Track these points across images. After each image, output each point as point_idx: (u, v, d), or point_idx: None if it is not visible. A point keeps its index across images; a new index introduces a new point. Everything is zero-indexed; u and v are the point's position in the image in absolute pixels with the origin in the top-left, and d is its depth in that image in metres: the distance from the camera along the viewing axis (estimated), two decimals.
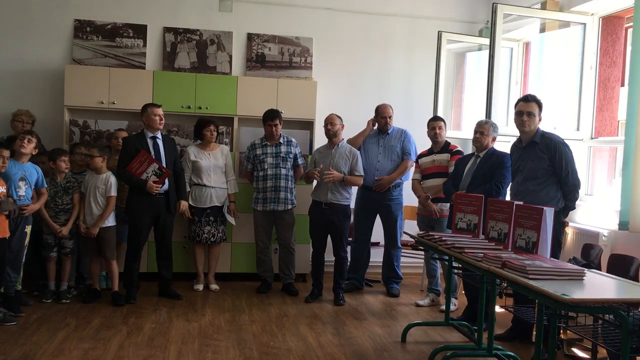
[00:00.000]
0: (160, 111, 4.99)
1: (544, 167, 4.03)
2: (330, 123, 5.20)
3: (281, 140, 5.46)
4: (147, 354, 3.75)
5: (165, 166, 4.95)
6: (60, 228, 4.82)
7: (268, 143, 5.45)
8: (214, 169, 5.38)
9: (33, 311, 4.54)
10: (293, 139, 5.59)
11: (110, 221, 4.93)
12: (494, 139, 4.66)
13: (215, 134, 5.42)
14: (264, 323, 4.52)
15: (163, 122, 5.04)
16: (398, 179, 5.49)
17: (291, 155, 5.48)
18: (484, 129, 4.62)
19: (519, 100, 4.21)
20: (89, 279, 5.07)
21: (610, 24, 5.15)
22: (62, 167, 4.87)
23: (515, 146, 4.31)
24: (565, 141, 4.11)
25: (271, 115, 5.38)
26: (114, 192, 4.88)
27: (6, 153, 4.30)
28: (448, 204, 4.92)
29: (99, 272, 5.02)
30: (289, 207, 5.46)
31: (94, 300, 4.87)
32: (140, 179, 4.85)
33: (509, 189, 4.42)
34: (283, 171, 5.41)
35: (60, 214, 4.87)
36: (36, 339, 3.92)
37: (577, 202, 4.18)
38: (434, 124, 5.25)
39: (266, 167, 5.40)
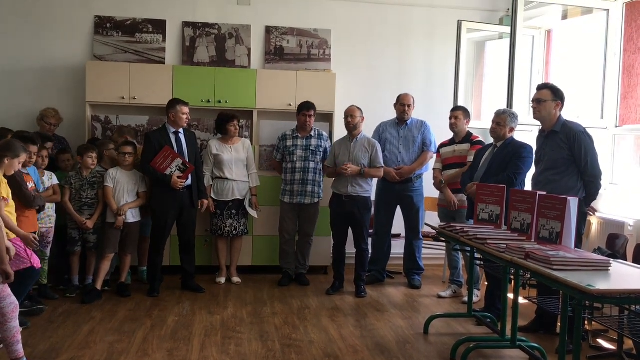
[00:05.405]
0: (187, 109, 5.05)
1: (563, 156, 3.96)
2: (351, 116, 5.18)
3: (312, 133, 5.49)
4: (171, 346, 3.79)
5: (188, 161, 4.99)
6: (85, 220, 4.88)
7: (299, 135, 5.48)
8: (235, 162, 5.40)
9: (59, 305, 4.61)
10: (324, 133, 5.60)
11: (136, 216, 5.01)
12: (511, 130, 4.55)
13: (238, 128, 5.45)
14: (286, 315, 4.54)
15: (189, 119, 5.12)
16: (418, 170, 5.47)
17: (321, 149, 5.50)
18: (500, 120, 4.53)
19: None
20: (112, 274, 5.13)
21: (635, 10, 5.05)
22: (88, 163, 4.92)
23: (539, 135, 4.26)
24: (589, 130, 4.04)
25: (307, 106, 5.42)
26: (145, 188, 5.03)
27: (34, 149, 4.34)
28: None
29: (106, 271, 4.92)
30: (316, 200, 5.49)
31: (93, 300, 4.69)
32: (164, 174, 4.90)
33: (530, 178, 4.35)
34: (312, 164, 5.43)
35: (84, 208, 4.92)
36: (62, 332, 3.99)
37: (602, 192, 4.10)
38: (451, 114, 5.22)
39: (295, 159, 5.42)
